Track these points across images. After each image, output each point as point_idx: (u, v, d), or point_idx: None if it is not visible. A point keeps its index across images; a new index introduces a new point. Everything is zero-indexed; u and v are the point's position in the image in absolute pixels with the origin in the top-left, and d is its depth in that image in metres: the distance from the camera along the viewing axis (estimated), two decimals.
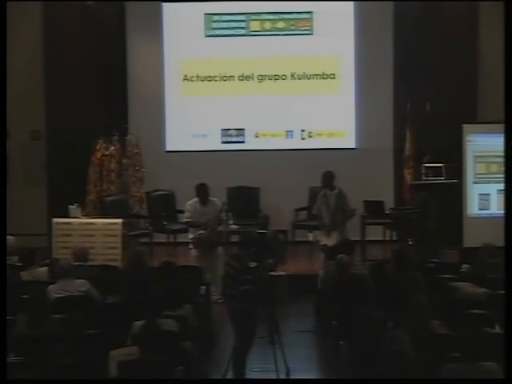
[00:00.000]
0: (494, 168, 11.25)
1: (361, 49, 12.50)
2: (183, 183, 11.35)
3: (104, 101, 12.37)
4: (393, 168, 12.50)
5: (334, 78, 12.67)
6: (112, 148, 11.86)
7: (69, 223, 10.69)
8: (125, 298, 7.51)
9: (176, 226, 11.42)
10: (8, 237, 8.10)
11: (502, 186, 9.36)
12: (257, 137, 12.76)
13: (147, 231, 11.55)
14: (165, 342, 6.03)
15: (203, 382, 7.17)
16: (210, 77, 12.70)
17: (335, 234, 9.93)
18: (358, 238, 10.76)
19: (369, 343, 6.10)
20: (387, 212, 11.32)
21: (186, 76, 12.70)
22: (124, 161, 11.94)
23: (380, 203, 11.19)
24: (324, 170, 10.30)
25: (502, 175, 7.97)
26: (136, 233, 11.38)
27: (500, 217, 8.14)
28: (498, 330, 6.72)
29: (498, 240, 7.52)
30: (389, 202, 11.70)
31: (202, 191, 10.13)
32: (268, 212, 10.63)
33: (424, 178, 11.30)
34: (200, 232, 10.02)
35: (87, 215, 11.00)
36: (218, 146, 12.73)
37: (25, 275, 8.26)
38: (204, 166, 12.15)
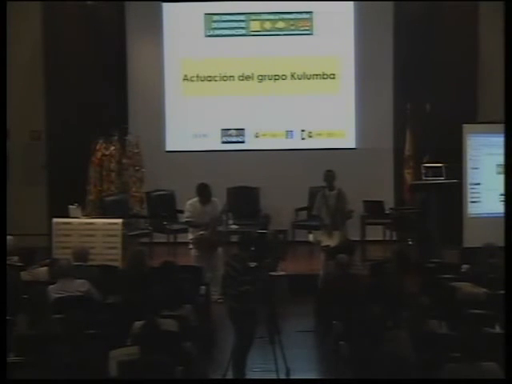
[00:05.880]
0: None
1: (361, 49, 12.49)
2: (183, 183, 11.35)
3: (104, 101, 12.35)
4: (393, 168, 12.49)
5: (333, 78, 12.67)
6: (112, 148, 11.87)
7: (69, 223, 10.67)
8: (125, 297, 7.51)
9: (176, 226, 11.41)
10: (8, 237, 8.10)
11: None
12: (257, 137, 12.76)
13: (147, 231, 11.55)
14: (165, 342, 6.03)
15: (203, 382, 7.17)
16: (210, 77, 12.69)
17: (336, 234, 9.92)
18: (358, 238, 10.78)
19: (369, 343, 6.10)
20: (387, 212, 11.33)
21: (186, 76, 12.70)
22: (124, 161, 11.95)
23: (380, 203, 11.19)
24: (325, 169, 10.30)
25: None
26: (136, 233, 11.38)
27: (500, 217, 8.13)
28: (498, 330, 6.72)
29: (498, 240, 7.53)
30: (389, 202, 11.70)
31: (204, 191, 10.06)
32: (268, 212, 10.64)
33: (424, 178, 11.28)
34: (200, 232, 10.01)
35: (87, 215, 10.99)
36: (218, 146, 12.73)
37: (25, 275, 8.27)
38: (204, 166, 12.15)
